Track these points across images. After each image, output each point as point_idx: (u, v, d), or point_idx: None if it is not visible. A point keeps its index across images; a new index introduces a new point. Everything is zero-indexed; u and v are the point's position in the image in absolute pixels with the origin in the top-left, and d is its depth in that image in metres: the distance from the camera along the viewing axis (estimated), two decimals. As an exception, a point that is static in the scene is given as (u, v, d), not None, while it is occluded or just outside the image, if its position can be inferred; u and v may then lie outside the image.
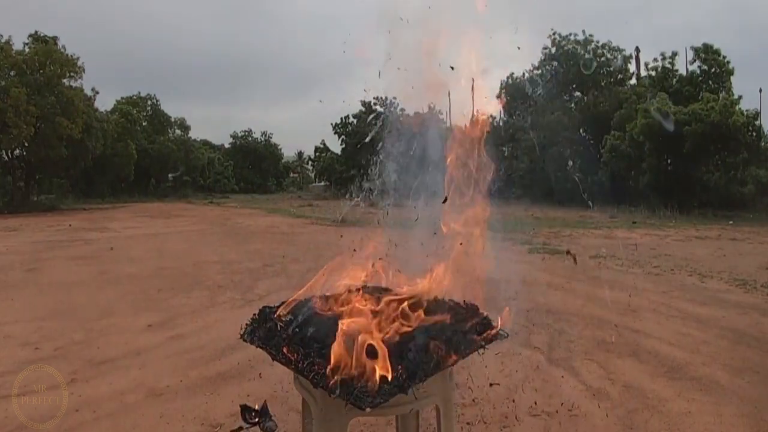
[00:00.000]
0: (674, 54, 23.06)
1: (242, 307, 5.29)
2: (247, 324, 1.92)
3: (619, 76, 26.49)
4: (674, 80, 22.87)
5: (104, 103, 34.26)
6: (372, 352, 1.51)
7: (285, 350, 1.67)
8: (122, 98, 32.67)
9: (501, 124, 28.43)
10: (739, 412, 2.91)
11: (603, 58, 26.18)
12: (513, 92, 27.67)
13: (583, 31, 26.29)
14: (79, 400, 3.08)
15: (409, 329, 1.70)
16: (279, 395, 3.09)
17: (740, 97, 19.82)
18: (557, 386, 3.28)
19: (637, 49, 26.39)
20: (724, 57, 22.00)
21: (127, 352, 3.95)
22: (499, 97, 28.75)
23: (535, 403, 3.01)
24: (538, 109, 25.52)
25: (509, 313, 1.87)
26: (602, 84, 26.29)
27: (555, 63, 26.85)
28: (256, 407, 2.31)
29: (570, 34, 26.38)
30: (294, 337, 1.72)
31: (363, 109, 31.63)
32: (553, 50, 26.64)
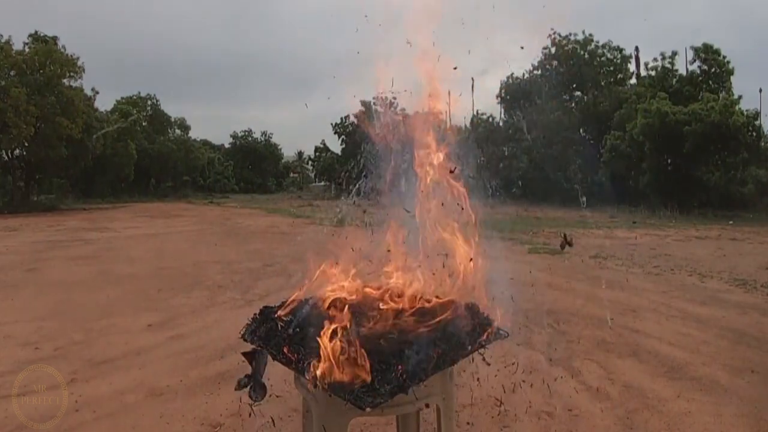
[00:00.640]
0: (674, 54, 23.10)
1: (242, 307, 5.28)
2: (247, 324, 1.92)
3: (619, 75, 26.51)
4: (674, 80, 22.86)
5: (104, 103, 34.34)
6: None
7: (285, 350, 1.67)
8: (122, 98, 32.70)
9: (501, 124, 28.48)
10: (739, 412, 2.91)
11: (603, 58, 26.21)
12: (513, 92, 27.72)
13: (583, 31, 26.37)
14: (79, 400, 3.08)
15: (410, 329, 1.70)
16: (279, 395, 3.09)
17: (740, 97, 19.89)
18: (557, 386, 3.28)
19: (637, 49, 26.46)
20: (724, 57, 22.01)
21: (127, 352, 3.95)
22: (499, 96, 28.78)
23: (535, 403, 3.01)
24: (538, 109, 25.52)
25: (509, 312, 1.87)
26: (602, 84, 26.31)
27: (555, 63, 26.88)
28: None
29: (570, 34, 26.44)
30: (294, 337, 1.72)
31: (363, 108, 31.59)
32: (553, 50, 26.67)
